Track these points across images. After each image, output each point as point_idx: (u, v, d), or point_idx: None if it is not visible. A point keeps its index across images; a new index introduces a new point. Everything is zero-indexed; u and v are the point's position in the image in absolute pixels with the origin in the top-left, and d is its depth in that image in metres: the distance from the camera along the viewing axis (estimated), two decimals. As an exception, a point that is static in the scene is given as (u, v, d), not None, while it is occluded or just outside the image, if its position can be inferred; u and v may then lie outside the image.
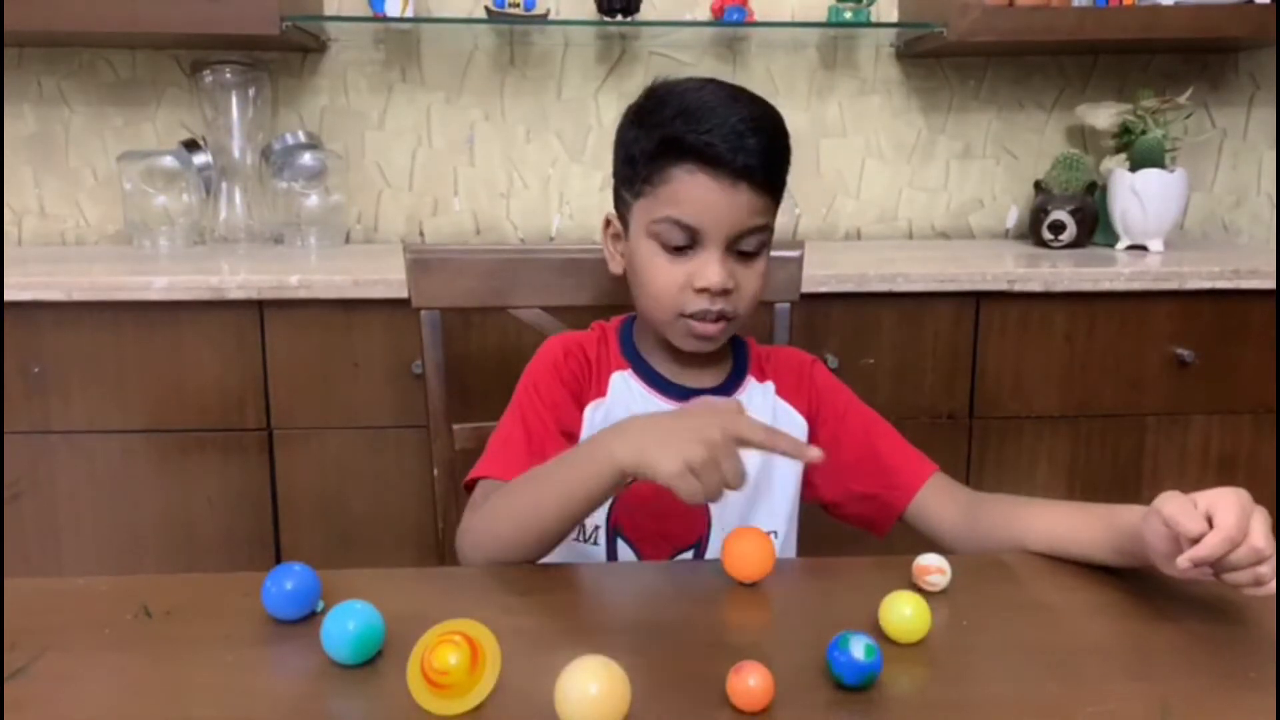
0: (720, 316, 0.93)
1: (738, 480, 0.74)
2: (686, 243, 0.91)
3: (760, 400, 1.01)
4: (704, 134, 0.89)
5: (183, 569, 1.63)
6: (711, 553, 0.98)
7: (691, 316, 0.93)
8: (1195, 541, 0.68)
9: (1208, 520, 0.69)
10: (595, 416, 0.99)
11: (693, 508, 0.97)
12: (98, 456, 1.59)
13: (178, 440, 1.59)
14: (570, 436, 0.98)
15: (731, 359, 1.03)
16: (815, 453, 0.73)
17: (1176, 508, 0.70)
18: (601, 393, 1.00)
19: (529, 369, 1.01)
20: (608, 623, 0.75)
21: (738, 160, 0.88)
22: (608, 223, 1.01)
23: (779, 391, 1.02)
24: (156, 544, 1.62)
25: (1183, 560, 0.68)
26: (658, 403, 0.99)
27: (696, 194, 0.90)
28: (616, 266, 1.01)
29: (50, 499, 1.59)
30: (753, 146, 0.89)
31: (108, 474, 1.59)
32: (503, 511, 0.86)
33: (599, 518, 0.97)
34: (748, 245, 0.92)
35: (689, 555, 0.99)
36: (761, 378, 1.03)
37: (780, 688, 0.61)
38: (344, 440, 1.61)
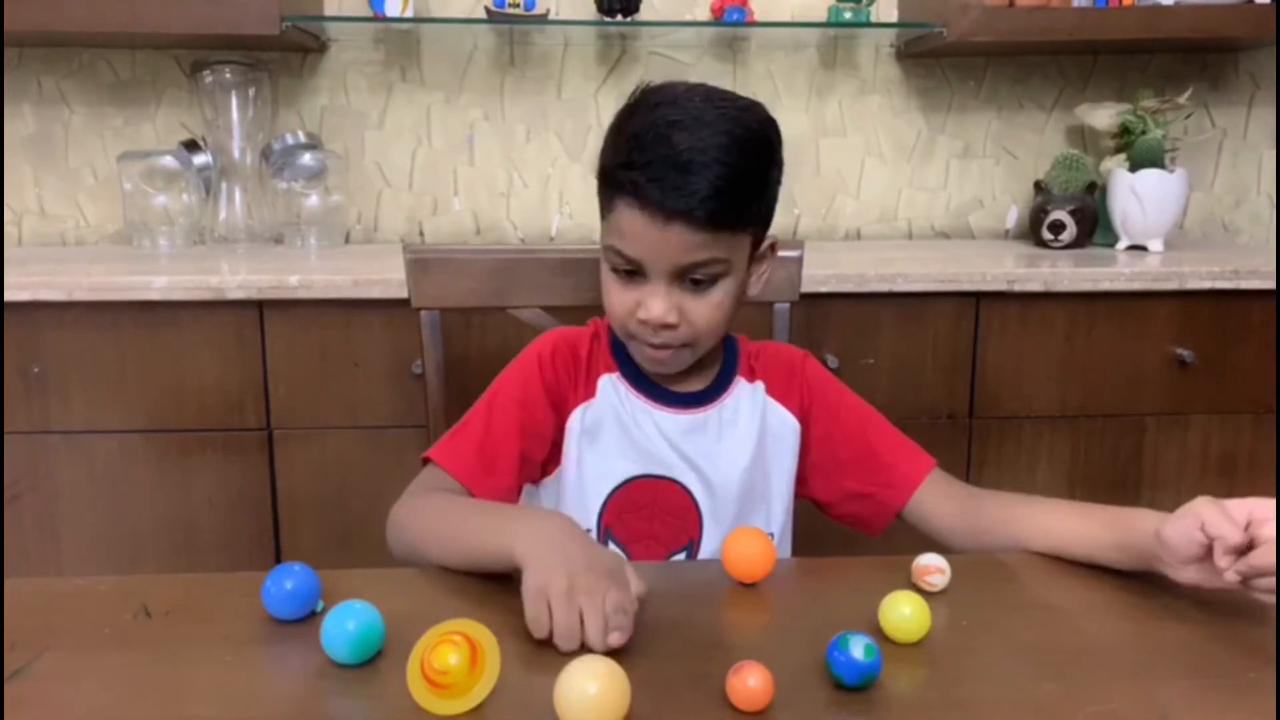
0: (667, 345, 0.92)
1: (621, 636, 0.67)
2: (633, 270, 0.90)
3: (749, 402, 1.00)
4: (638, 170, 0.85)
5: (183, 569, 1.63)
6: (704, 555, 0.98)
7: (640, 341, 0.93)
8: (1237, 550, 0.68)
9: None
10: (585, 418, 0.98)
11: (684, 508, 0.97)
12: (97, 456, 1.59)
13: (177, 440, 1.59)
14: (540, 438, 0.97)
15: (720, 361, 1.02)
16: (615, 639, 0.66)
17: (1217, 515, 0.70)
18: (590, 394, 0.99)
19: (516, 360, 1.01)
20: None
21: (668, 202, 0.84)
22: None
23: (769, 391, 1.01)
24: (156, 544, 1.62)
25: (1241, 566, 0.68)
26: (646, 407, 0.98)
27: (633, 228, 0.87)
28: None
29: (50, 499, 1.59)
30: (692, 185, 0.84)
31: (107, 474, 1.59)
32: (424, 530, 0.86)
33: (589, 521, 0.97)
34: (698, 276, 0.89)
35: (681, 556, 0.98)
36: (751, 378, 1.02)
37: (780, 688, 0.61)
38: (344, 440, 1.61)
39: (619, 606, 0.68)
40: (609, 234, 0.91)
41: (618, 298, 0.92)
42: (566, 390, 0.99)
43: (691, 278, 0.89)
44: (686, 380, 1.00)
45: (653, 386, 0.99)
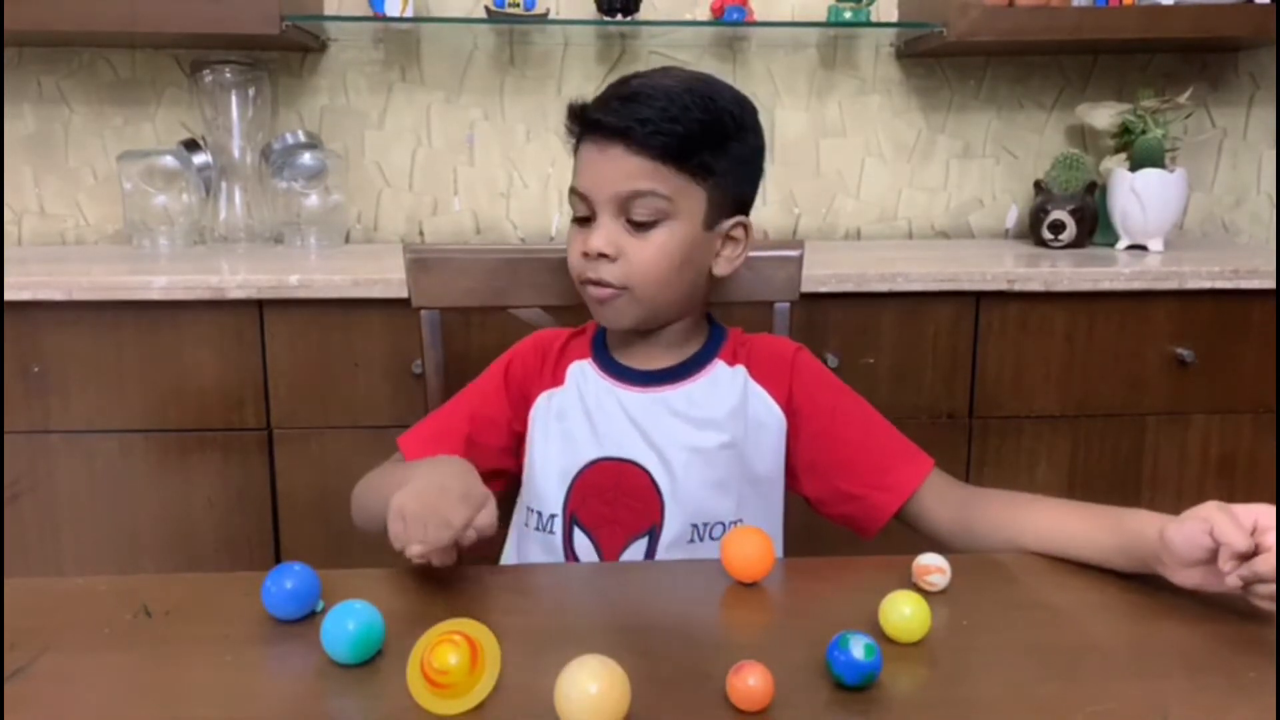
0: (610, 284, 0.93)
1: (420, 548, 0.74)
2: (586, 213, 0.93)
3: (728, 385, 0.99)
4: (594, 103, 0.92)
5: (182, 569, 1.63)
6: (666, 538, 0.96)
7: (585, 282, 0.95)
8: (1242, 557, 0.68)
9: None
10: (550, 404, 1.00)
11: (644, 491, 0.96)
12: (97, 456, 1.59)
13: (177, 440, 1.59)
14: (492, 424, 1.02)
15: (701, 344, 1.01)
16: (412, 549, 0.73)
17: (1226, 521, 0.69)
18: (558, 382, 1.01)
19: (499, 359, 1.06)
20: (608, 623, 0.75)
21: (607, 120, 0.90)
22: None
23: (753, 375, 1.00)
24: (156, 544, 1.62)
25: (1244, 571, 0.68)
26: (610, 387, 0.99)
27: (583, 160, 0.93)
28: None
29: (50, 499, 1.60)
30: (631, 109, 0.89)
31: (107, 474, 1.59)
32: (364, 496, 0.99)
33: (555, 506, 0.98)
34: (638, 214, 0.91)
35: (644, 541, 0.97)
36: (733, 361, 1.00)
37: (780, 688, 0.61)
38: (344, 440, 1.61)
39: (444, 521, 0.74)
40: (573, 182, 0.95)
41: (573, 245, 0.95)
42: (532, 382, 1.02)
43: (633, 217, 0.91)
44: (655, 357, 1.00)
45: (620, 368, 1.00)
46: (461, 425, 1.01)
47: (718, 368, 1.00)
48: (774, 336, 1.07)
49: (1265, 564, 0.67)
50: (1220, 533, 0.69)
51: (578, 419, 0.99)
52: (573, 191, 0.94)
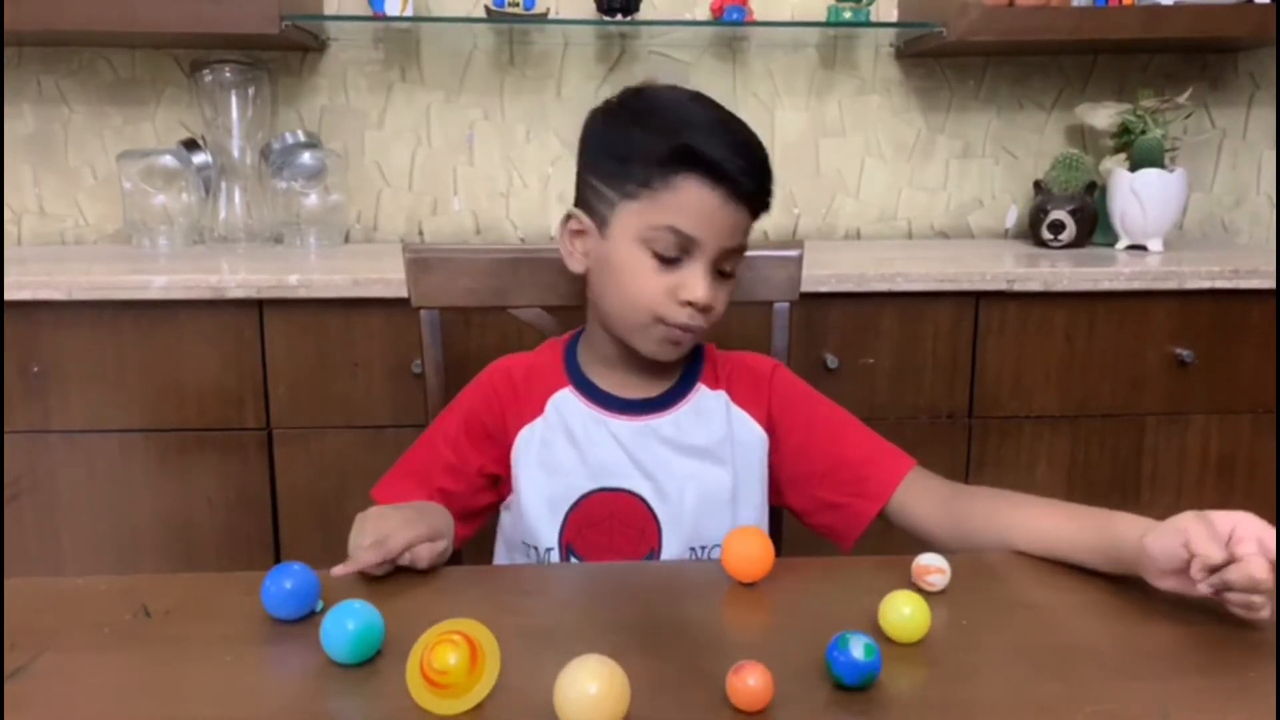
0: (691, 328, 0.93)
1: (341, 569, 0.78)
2: (679, 253, 0.90)
3: (712, 409, 1.00)
4: (718, 149, 0.89)
5: (182, 569, 1.63)
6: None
7: (670, 324, 0.92)
8: (1214, 568, 0.68)
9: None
10: (532, 437, 0.98)
11: (641, 519, 0.96)
12: (97, 456, 1.59)
13: (177, 440, 1.59)
14: (460, 474, 0.99)
15: (681, 370, 1.01)
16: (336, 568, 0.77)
17: (1203, 533, 0.69)
18: (537, 413, 0.99)
19: (461, 394, 1.03)
20: (608, 623, 0.75)
21: (742, 179, 0.90)
22: (568, 218, 0.97)
23: (734, 399, 1.01)
24: (156, 544, 1.62)
25: (1214, 580, 0.68)
26: (598, 416, 0.98)
27: (701, 205, 0.89)
28: (577, 264, 0.98)
29: (50, 499, 1.59)
30: (753, 169, 0.91)
31: (107, 474, 1.59)
32: None
33: (550, 540, 0.97)
34: (728, 265, 0.93)
35: None
36: (715, 385, 1.01)
37: (780, 688, 0.61)
38: (344, 440, 1.60)
39: (374, 539, 0.78)
40: (661, 214, 0.89)
41: (652, 283, 0.91)
42: (507, 418, 0.99)
43: (721, 267, 0.92)
44: (643, 386, 0.99)
45: (607, 396, 0.99)
46: (431, 476, 0.99)
47: (700, 392, 1.01)
48: (751, 354, 1.06)
49: (1235, 573, 0.67)
50: (1194, 545, 0.69)
51: (565, 451, 0.98)
52: (670, 230, 0.89)
